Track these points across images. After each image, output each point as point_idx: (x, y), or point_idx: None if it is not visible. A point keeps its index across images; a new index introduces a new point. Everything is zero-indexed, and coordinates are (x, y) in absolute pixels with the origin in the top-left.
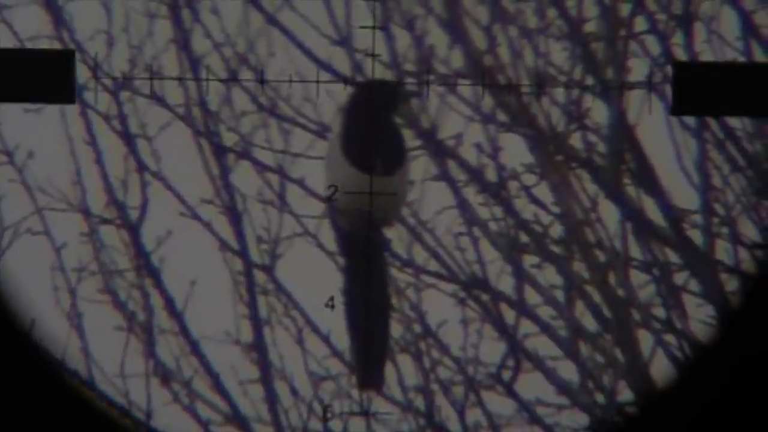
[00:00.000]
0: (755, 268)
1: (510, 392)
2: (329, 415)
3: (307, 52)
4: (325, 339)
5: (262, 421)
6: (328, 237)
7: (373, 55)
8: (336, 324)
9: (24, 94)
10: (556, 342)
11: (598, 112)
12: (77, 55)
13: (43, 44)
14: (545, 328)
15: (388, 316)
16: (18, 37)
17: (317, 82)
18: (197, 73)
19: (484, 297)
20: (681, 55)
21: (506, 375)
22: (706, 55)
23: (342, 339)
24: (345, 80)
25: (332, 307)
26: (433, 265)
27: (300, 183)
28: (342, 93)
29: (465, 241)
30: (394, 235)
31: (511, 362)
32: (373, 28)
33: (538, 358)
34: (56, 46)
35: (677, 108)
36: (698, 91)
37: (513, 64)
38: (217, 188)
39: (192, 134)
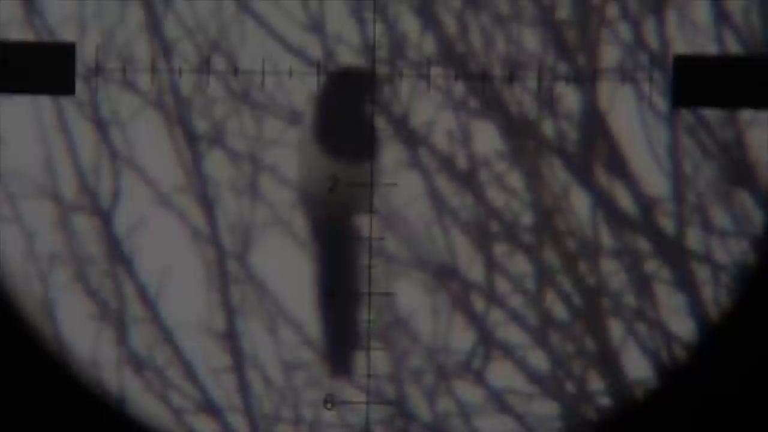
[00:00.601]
0: (755, 261)
1: (480, 381)
2: (328, 405)
3: (280, 39)
4: (297, 327)
5: (234, 409)
6: (300, 225)
7: (365, 47)
8: (308, 312)
9: (23, 86)
10: (527, 330)
11: (570, 99)
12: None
13: (15, 31)
14: (515, 317)
15: (359, 304)
16: None
17: (290, 72)
18: (170, 60)
19: (455, 285)
20: (653, 42)
21: (476, 363)
22: (679, 44)
23: (314, 327)
24: (318, 68)
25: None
26: (404, 253)
27: (272, 170)
28: (314, 80)
29: (436, 229)
30: (366, 224)
31: (481, 350)
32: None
33: (508, 346)
34: (28, 33)
35: (675, 101)
36: (691, 84)
37: (485, 51)
38: (190, 176)
39: (164, 121)
